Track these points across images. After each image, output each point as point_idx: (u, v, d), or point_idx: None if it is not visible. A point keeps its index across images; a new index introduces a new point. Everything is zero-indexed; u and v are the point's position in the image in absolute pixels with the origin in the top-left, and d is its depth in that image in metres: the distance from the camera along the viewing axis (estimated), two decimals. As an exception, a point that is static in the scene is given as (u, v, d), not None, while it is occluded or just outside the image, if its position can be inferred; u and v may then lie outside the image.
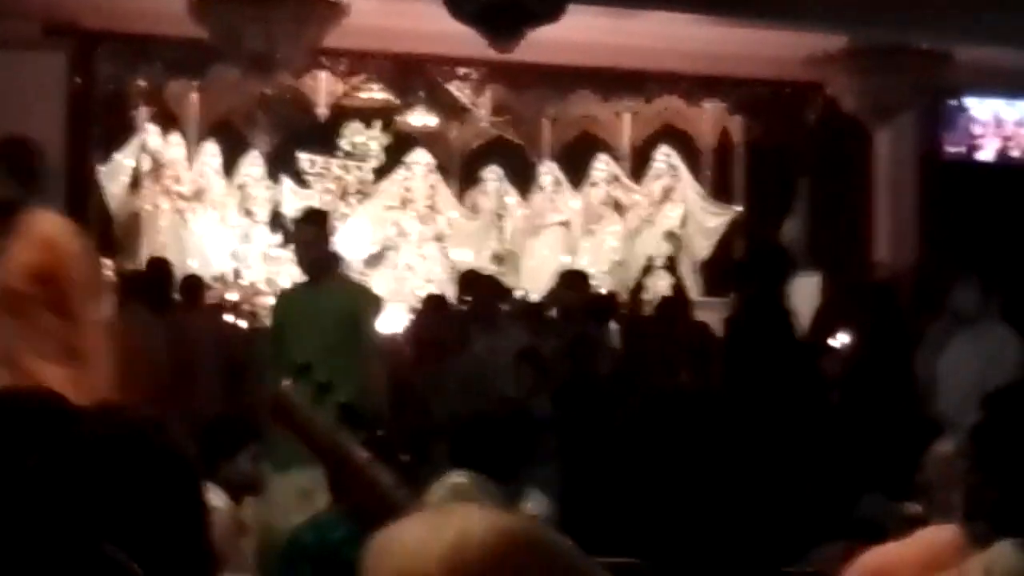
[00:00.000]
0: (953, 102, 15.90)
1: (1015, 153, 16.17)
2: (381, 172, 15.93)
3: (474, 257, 15.80)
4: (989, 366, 8.27)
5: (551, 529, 3.87)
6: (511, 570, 3.58)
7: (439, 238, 15.97)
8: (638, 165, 16.52)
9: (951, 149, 16.03)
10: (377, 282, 14.76)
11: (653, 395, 2.23)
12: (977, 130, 16.13)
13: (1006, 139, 16.20)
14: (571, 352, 10.35)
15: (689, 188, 16.41)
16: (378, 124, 15.79)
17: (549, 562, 3.67)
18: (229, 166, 15.47)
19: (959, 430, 4.08)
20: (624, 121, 16.48)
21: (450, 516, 3.62)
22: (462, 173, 16.51)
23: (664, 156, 16.42)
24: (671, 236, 16.19)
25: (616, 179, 16.41)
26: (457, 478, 3.74)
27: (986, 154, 16.19)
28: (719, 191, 16.44)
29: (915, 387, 9.31)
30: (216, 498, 5.67)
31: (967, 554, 3.21)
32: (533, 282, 15.38)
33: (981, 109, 16.20)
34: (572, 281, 12.36)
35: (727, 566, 2.02)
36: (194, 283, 12.36)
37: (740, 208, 16.29)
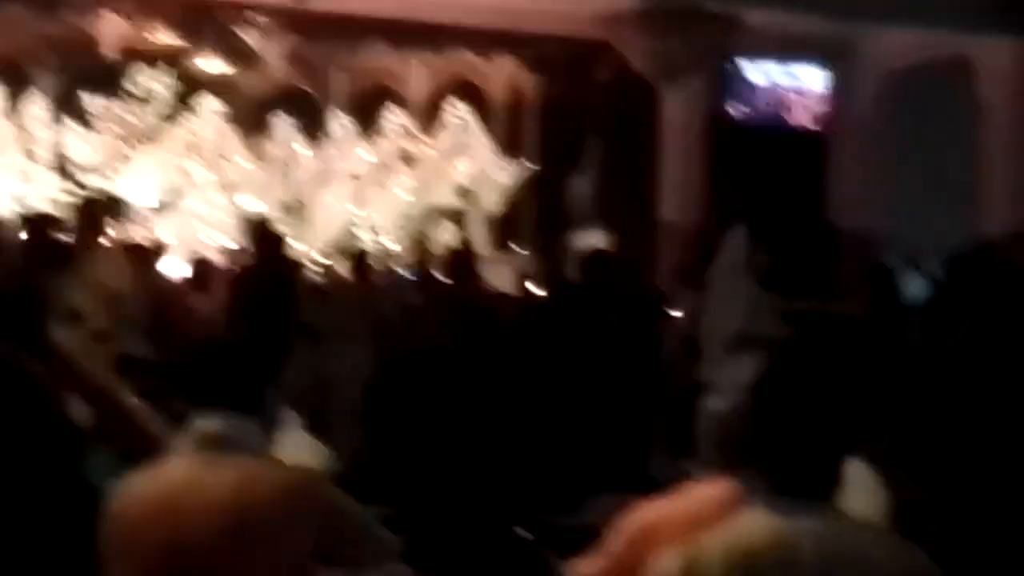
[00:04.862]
0: (730, 65, 16.17)
1: (790, 117, 16.51)
2: (169, 117, 15.68)
3: (263, 206, 15.65)
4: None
5: (327, 481, 3.89)
6: (289, 521, 3.59)
7: (227, 186, 15.78)
8: (429, 118, 16.51)
9: (735, 112, 16.31)
10: (163, 230, 14.57)
11: (402, 354, 2.25)
12: (754, 94, 16.44)
13: (782, 103, 16.53)
14: None
15: (480, 143, 16.44)
16: (166, 68, 15.52)
17: (324, 513, 3.69)
18: (12, 106, 15.10)
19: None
20: (416, 73, 16.45)
21: (225, 468, 3.60)
22: (251, 121, 16.32)
23: (455, 110, 16.44)
24: (461, 190, 16.22)
25: (407, 131, 16.39)
26: (212, 423, 3.69)
27: (765, 117, 16.50)
28: (510, 147, 16.51)
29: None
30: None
31: (733, 512, 3.28)
32: (323, 233, 15.32)
33: (756, 73, 16.50)
34: None
35: (476, 515, 2.06)
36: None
37: (531, 164, 16.38)
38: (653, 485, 4.27)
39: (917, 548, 2.93)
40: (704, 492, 3.97)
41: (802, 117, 16.70)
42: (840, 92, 16.52)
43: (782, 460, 2.93)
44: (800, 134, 16.61)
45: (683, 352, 10.21)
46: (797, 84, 16.61)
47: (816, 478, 2.93)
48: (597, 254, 10.07)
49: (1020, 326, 7.24)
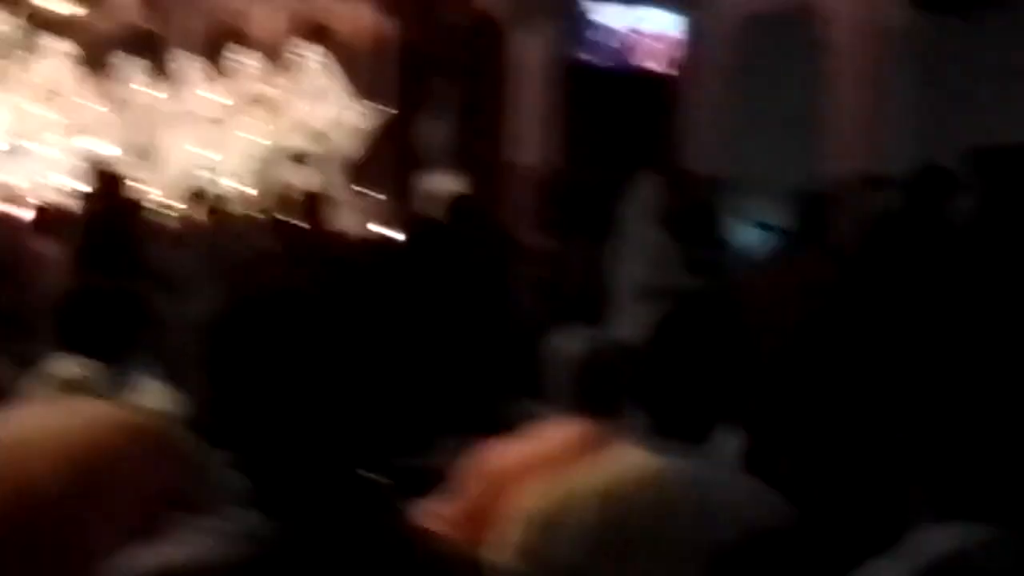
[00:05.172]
0: (582, 9, 16.17)
1: (641, 61, 16.57)
2: (14, 59, 15.38)
3: (111, 150, 15.43)
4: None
5: (177, 425, 3.86)
6: (138, 465, 3.56)
7: (75, 129, 15.54)
8: (281, 60, 16.38)
9: (586, 55, 16.34)
10: (9, 173, 14.34)
11: (246, 295, 2.25)
12: (605, 38, 16.46)
13: (633, 47, 16.57)
14: None
15: (332, 86, 16.34)
16: (11, 8, 15.22)
17: (174, 457, 3.66)
18: None
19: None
20: (267, 15, 16.30)
21: (73, 412, 3.56)
22: (98, 62, 16.08)
23: (310, 52, 16.32)
24: (314, 133, 16.13)
25: (260, 74, 16.24)
26: (64, 369, 3.66)
27: (616, 61, 16.55)
28: (362, 89, 16.43)
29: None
30: None
31: (589, 452, 3.33)
32: (173, 176, 15.15)
33: (608, 16, 16.52)
34: None
35: (322, 458, 2.08)
36: None
37: (383, 107, 16.33)
38: (503, 427, 4.32)
39: (773, 490, 3.01)
40: (556, 433, 4.03)
41: (653, 61, 16.78)
42: (691, 36, 16.62)
43: (668, 401, 2.99)
44: (651, 78, 16.69)
45: (534, 293, 10.30)
46: (648, 28, 16.67)
47: (696, 421, 3.00)
48: (453, 196, 10.08)
49: (877, 269, 7.38)
